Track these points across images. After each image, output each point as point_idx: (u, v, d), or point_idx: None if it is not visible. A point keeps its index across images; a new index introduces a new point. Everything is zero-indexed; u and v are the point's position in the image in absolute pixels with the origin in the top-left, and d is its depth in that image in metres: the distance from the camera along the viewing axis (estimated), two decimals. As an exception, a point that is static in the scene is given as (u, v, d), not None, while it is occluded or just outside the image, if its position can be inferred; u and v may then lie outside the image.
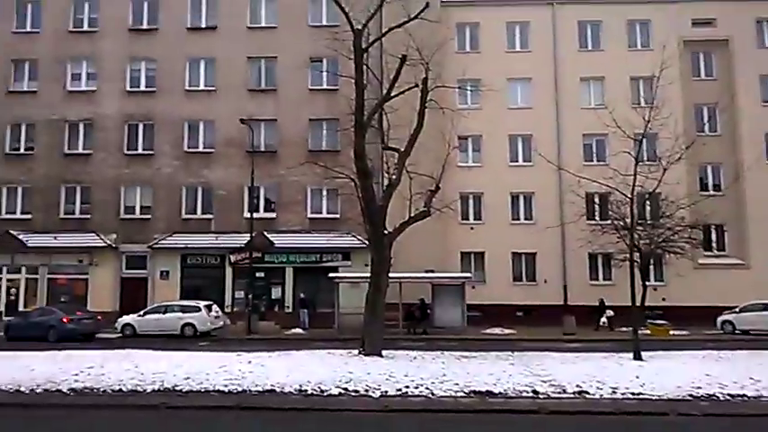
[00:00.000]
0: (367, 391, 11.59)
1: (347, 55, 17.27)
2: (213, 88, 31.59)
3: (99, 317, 26.05)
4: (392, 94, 17.39)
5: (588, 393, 11.48)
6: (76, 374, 12.75)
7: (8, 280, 30.70)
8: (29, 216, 30.94)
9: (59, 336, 23.54)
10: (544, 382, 12.25)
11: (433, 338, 23.99)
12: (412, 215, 18.08)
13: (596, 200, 29.66)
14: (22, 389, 11.88)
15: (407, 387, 11.80)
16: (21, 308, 29.29)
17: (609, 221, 27.60)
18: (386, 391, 11.54)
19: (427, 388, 11.72)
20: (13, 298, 30.36)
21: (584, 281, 30.31)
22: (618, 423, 10.01)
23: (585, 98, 31.75)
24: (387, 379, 12.35)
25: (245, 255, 28.26)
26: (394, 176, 17.73)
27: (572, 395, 11.42)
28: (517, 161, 31.67)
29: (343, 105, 19.49)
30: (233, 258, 29.56)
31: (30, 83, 32.03)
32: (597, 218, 29.59)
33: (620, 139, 18.81)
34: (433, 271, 28.04)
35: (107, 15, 32.18)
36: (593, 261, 30.61)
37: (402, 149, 17.77)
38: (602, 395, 11.41)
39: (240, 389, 11.81)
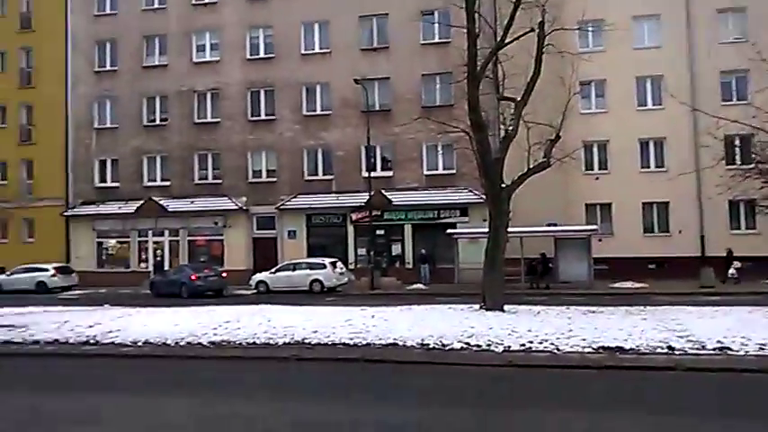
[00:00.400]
0: (489, 345, 11.50)
1: (459, 4, 16.74)
2: (328, 50, 32.05)
3: (224, 274, 27.98)
4: (506, 41, 16.67)
5: (731, 350, 10.65)
6: (215, 328, 13.70)
7: (154, 242, 33.61)
8: (167, 183, 33.48)
9: (189, 292, 25.79)
10: (680, 337, 11.51)
11: (557, 293, 23.38)
12: (531, 167, 17.42)
13: (737, 142, 27.07)
14: (168, 342, 12.95)
15: (531, 342, 11.57)
16: (166, 268, 31.92)
17: (752, 165, 25.11)
18: (509, 346, 11.40)
19: (552, 343, 11.42)
20: (159, 259, 33.21)
21: (723, 230, 28.06)
22: (765, 382, 9.24)
23: (723, 32, 28.76)
24: (509, 334, 12.18)
25: (365, 213, 28.89)
26: (510, 127, 17.13)
27: (712, 352, 10.65)
28: (645, 105, 29.57)
29: (456, 58, 18.96)
30: (354, 217, 30.34)
31: (160, 57, 34.17)
32: (738, 162, 27.04)
33: (766, 73, 16.83)
34: (555, 224, 27.18)
35: (226, -15, 33.39)
36: (733, 209, 28.19)
37: (518, 99, 17.09)
38: (747, 352, 10.53)
39: (364, 342, 12.15)
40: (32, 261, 30.98)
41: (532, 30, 16.68)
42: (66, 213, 34.14)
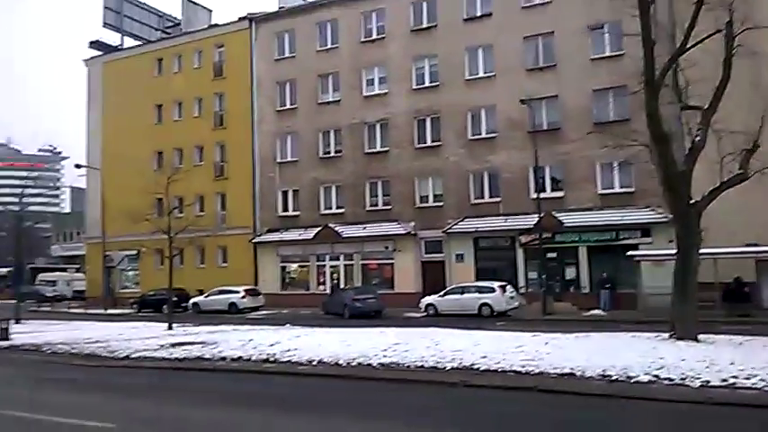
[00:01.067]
0: (683, 379, 10.26)
1: (631, 12, 15.65)
2: (492, 74, 31.82)
3: (380, 296, 29.01)
4: (688, 46, 15.25)
5: None
6: (385, 350, 13.83)
7: (331, 266, 35.32)
8: (341, 210, 35.11)
9: (350, 313, 27.21)
10: None
11: (761, 322, 20.53)
12: (724, 180, 15.61)
13: None
14: (341, 362, 13.29)
15: (735, 377, 10.12)
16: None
17: None
18: (707, 381, 10.07)
19: (762, 379, 9.88)
20: (335, 282, 34.77)
21: None
22: None
23: None
24: (707, 367, 10.78)
25: (535, 236, 27.86)
26: (697, 138, 15.52)
27: None
28: None
29: (630, 68, 17.79)
30: (523, 240, 29.41)
31: (333, 93, 36.18)
32: None
33: None
34: (756, 244, 24.06)
35: (392, 21, 34.58)
36: None
37: (705, 106, 15.47)
38: None
39: (537, 370, 11.48)
40: (226, 284, 34.11)
41: (719, 31, 15.10)
42: (254, 240, 37.12)
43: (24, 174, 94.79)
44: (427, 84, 33.54)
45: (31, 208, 64.30)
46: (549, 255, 28.62)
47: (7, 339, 19.68)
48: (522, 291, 28.79)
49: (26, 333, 21.66)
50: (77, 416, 9.40)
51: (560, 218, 28.26)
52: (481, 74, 32.17)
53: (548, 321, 23.45)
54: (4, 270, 52.77)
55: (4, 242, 63.92)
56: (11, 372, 15.41)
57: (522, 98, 28.44)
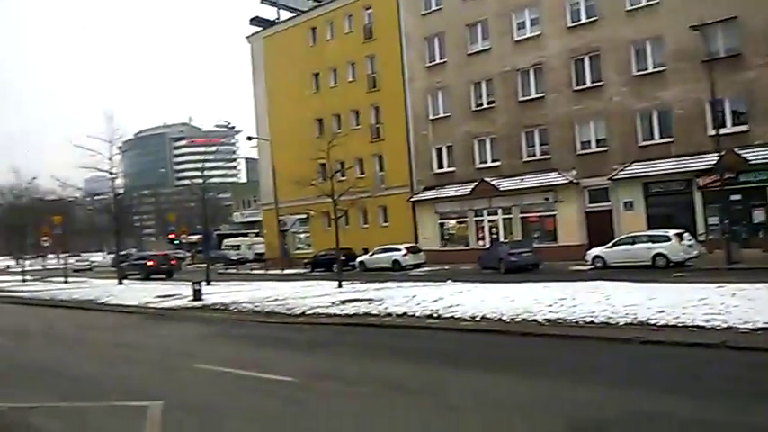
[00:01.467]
0: None
1: None
2: (657, 0, 28.88)
3: (536, 249, 28.64)
4: None
5: None
6: (550, 305, 13.43)
7: (489, 221, 34.99)
8: (497, 163, 34.40)
9: (506, 267, 27.19)
10: None
11: None
12: None
13: None
14: (504, 317, 13.14)
15: None
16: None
17: None
18: None
19: None
20: (495, 236, 34.43)
21: None
22: None
23: None
24: None
25: (715, 177, 25.24)
26: None
27: None
28: None
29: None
30: (701, 182, 26.85)
31: (483, 42, 35.09)
32: None
33: None
34: None
35: (539, -44, 32.63)
36: None
37: None
38: None
39: (724, 325, 10.48)
40: (387, 243, 35.26)
41: None
42: (411, 199, 37.76)
43: (204, 149, 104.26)
44: (583, 20, 31.29)
45: (213, 180, 70.57)
46: (733, 197, 25.80)
47: (200, 299, 22.00)
48: (702, 238, 26.40)
49: (216, 293, 24.03)
50: (261, 370, 10.24)
51: (745, 155, 25.31)
52: (644, 2, 29.34)
53: (733, 271, 21.29)
54: (195, 237, 58.98)
55: (193, 212, 71.49)
56: (203, 329, 17.22)
57: (694, 24, 25.55)
